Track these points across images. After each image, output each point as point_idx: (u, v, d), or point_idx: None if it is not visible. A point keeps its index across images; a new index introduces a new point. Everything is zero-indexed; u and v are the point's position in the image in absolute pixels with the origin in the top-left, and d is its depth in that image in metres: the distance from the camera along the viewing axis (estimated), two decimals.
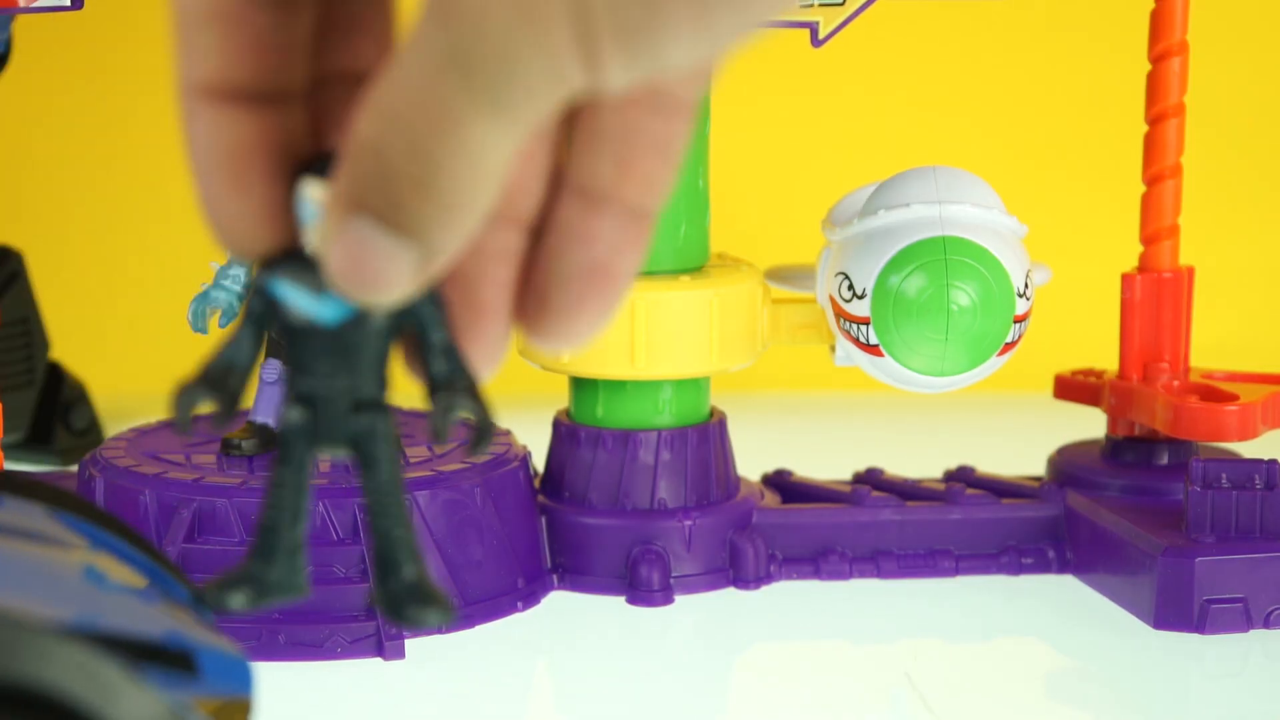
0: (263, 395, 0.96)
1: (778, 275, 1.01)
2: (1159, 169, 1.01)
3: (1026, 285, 0.92)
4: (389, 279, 0.41)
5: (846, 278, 0.93)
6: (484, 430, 0.46)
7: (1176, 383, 1.02)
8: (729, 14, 0.38)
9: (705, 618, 0.95)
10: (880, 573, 0.99)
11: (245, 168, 0.43)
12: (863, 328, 0.92)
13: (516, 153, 0.41)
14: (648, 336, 0.96)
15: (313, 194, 0.43)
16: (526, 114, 0.40)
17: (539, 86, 0.39)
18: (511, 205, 0.44)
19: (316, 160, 0.43)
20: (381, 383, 0.46)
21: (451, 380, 0.45)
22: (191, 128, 0.42)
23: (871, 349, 0.92)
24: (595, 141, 0.44)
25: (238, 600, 0.46)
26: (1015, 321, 0.91)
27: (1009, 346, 0.92)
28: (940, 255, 0.90)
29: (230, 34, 0.42)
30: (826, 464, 1.08)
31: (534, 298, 0.45)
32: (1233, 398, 0.98)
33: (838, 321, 0.94)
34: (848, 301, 0.92)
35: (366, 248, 0.41)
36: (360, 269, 0.41)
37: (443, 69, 0.39)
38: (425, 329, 0.44)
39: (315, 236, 0.43)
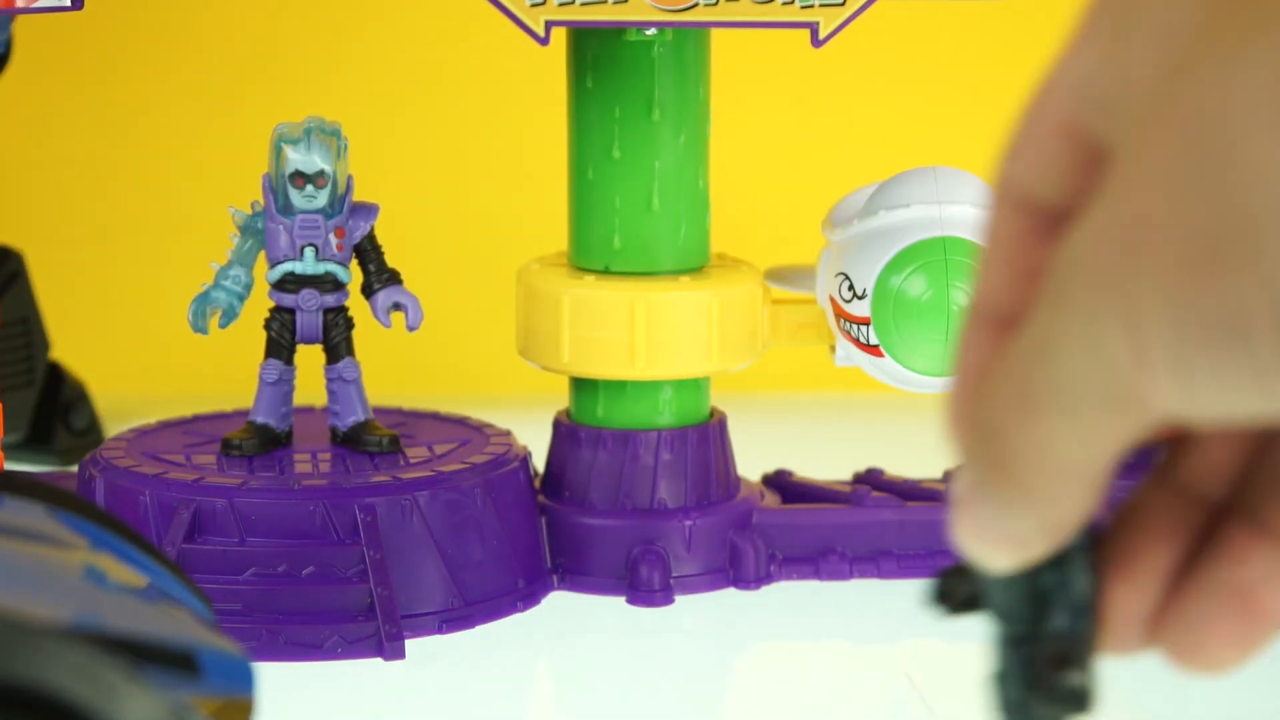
0: (262, 395, 0.96)
1: (777, 276, 1.01)
2: None
3: None
4: (989, 545, 0.41)
5: (847, 278, 0.92)
6: (1081, 701, 0.43)
7: None
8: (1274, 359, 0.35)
9: (705, 618, 0.95)
10: (880, 573, 0.99)
11: None
12: (863, 328, 0.92)
13: (1108, 457, 0.39)
14: (648, 337, 0.96)
15: None
16: (1101, 424, 0.38)
17: (1105, 399, 0.37)
18: (1194, 484, 0.42)
19: None
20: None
21: (1070, 637, 0.43)
22: (961, 344, 0.42)
23: (872, 349, 0.92)
24: (1274, 473, 0.41)
25: None
26: None
27: None
28: (940, 255, 0.90)
29: (1009, 261, 0.41)
30: (827, 464, 1.08)
31: (1174, 602, 0.43)
32: None
33: (838, 322, 0.94)
34: (848, 302, 0.92)
35: (969, 510, 0.40)
36: (965, 529, 0.41)
37: (1034, 353, 0.38)
38: (1066, 583, 0.43)
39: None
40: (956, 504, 0.41)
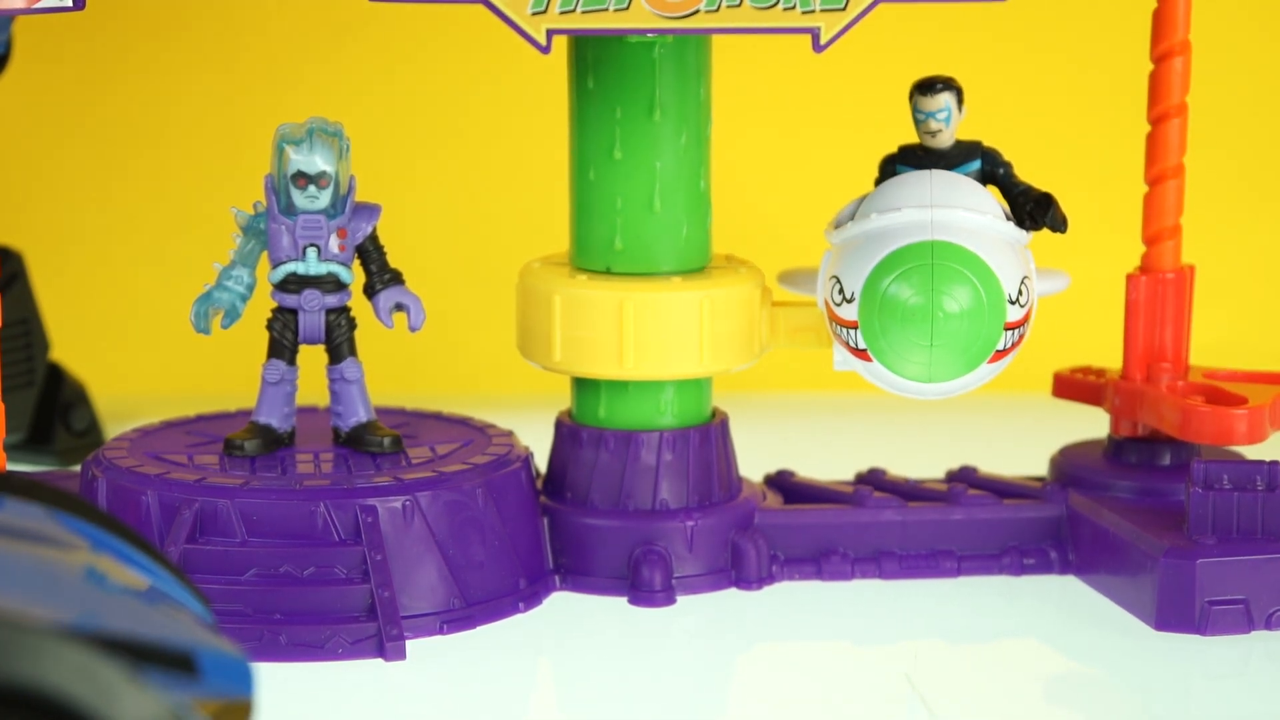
0: (264, 396, 0.96)
1: (790, 278, 1.01)
2: (1161, 169, 1.01)
3: (1021, 292, 0.90)
4: None
5: (838, 281, 0.92)
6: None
7: (1181, 383, 1.02)
8: None
9: (707, 618, 0.95)
10: (882, 573, 0.99)
11: None
12: (852, 332, 0.91)
13: None
14: (635, 336, 0.96)
15: None
16: None
17: None
18: None
19: None
20: None
21: None
22: None
23: (860, 353, 0.92)
24: None
25: None
26: (1007, 329, 0.90)
27: (1001, 354, 0.90)
28: (927, 260, 0.89)
29: None
30: (828, 465, 1.08)
31: None
32: (1240, 400, 0.97)
33: (831, 325, 0.94)
34: (838, 305, 0.92)
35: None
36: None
37: None
38: None
39: None
40: None
